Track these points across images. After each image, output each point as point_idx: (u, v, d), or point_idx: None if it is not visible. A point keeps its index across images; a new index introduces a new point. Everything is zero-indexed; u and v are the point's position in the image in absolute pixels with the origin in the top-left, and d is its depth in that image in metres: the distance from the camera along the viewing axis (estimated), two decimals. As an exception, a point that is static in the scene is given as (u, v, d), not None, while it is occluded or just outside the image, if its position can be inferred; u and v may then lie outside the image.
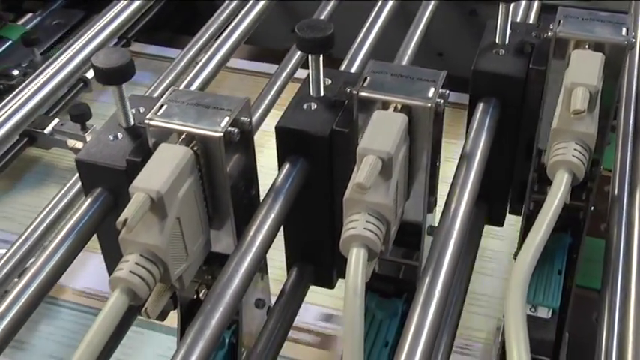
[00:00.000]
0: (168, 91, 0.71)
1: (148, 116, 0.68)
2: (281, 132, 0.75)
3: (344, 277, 0.83)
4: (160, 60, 1.66)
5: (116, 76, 0.71)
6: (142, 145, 0.71)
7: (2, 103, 0.97)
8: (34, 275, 0.68)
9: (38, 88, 1.00)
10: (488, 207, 0.92)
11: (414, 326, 0.64)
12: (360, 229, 0.65)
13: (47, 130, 1.38)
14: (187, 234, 0.67)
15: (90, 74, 1.47)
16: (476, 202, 0.75)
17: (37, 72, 1.06)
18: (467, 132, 0.80)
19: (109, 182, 0.73)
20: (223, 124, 0.67)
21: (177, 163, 0.64)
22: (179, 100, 0.70)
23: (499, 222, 0.95)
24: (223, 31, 1.22)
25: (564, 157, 0.72)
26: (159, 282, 0.65)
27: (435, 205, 0.82)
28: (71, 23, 1.73)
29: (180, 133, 0.67)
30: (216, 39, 1.24)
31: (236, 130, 0.67)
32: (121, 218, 0.61)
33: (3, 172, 1.36)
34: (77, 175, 0.93)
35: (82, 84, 1.47)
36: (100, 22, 1.09)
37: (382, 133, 0.67)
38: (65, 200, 0.96)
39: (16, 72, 1.51)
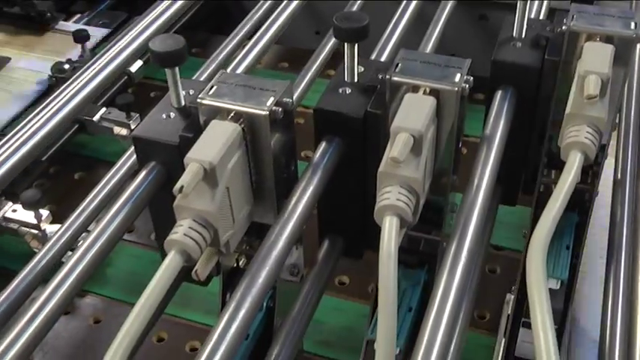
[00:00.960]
0: (217, 74, 0.72)
1: (200, 96, 0.69)
2: (319, 113, 0.75)
3: (372, 249, 0.84)
4: (199, 58, 1.66)
5: (171, 59, 0.71)
6: (192, 123, 0.72)
7: (56, 93, 0.97)
8: (92, 243, 0.68)
9: (88, 80, 1.01)
10: (503, 188, 0.91)
11: (442, 287, 0.65)
12: (393, 199, 0.65)
13: (96, 118, 1.39)
14: (235, 203, 0.68)
15: (134, 68, 1.48)
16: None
17: (87, 66, 1.07)
18: (485, 118, 0.80)
19: (162, 156, 0.73)
20: (269, 103, 0.67)
21: (228, 138, 0.65)
22: (228, 81, 0.70)
23: (512, 202, 0.95)
24: (255, 31, 1.23)
25: (577, 138, 0.72)
26: (208, 246, 0.65)
27: (457, 184, 0.81)
28: (115, 23, 1.74)
29: (229, 111, 0.67)
30: (249, 39, 1.24)
31: (280, 109, 0.67)
32: (178, 185, 0.61)
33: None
34: (124, 157, 0.94)
35: (126, 77, 1.47)
36: (143, 22, 1.10)
37: (413, 113, 0.68)
38: (113, 181, 0.96)
39: (67, 66, 1.52)
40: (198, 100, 0.69)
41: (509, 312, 1.08)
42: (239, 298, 0.62)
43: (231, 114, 0.67)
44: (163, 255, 0.62)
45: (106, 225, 0.70)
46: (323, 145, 0.75)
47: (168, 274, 0.61)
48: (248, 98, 0.68)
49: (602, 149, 0.88)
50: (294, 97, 1.14)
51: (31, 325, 0.61)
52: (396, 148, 0.65)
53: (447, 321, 0.61)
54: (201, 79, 1.16)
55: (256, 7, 1.31)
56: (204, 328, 1.12)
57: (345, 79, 0.77)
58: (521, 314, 0.96)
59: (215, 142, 0.65)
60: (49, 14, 1.69)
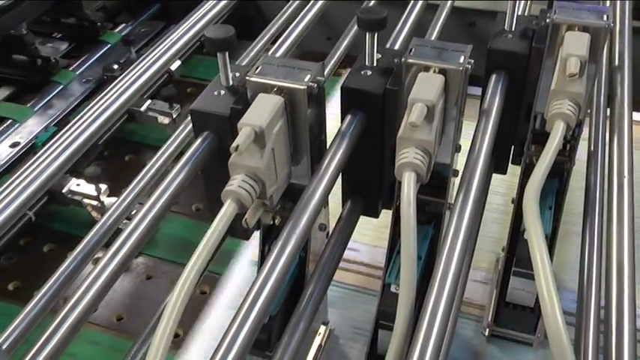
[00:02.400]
0: (262, 57, 0.75)
1: (248, 74, 0.72)
2: (345, 90, 0.77)
3: (388, 208, 0.86)
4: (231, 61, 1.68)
5: (223, 45, 0.73)
6: (240, 98, 0.74)
7: (109, 88, 1.00)
8: (151, 206, 0.70)
9: (136, 77, 1.03)
10: (495, 158, 0.93)
11: (452, 230, 0.67)
12: (410, 158, 0.68)
13: (142, 108, 1.41)
14: (278, 162, 0.70)
15: (173, 67, 1.51)
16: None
17: (133, 65, 1.10)
18: (482, 98, 0.82)
19: (214, 126, 0.75)
20: (306, 79, 0.70)
21: (273, 107, 0.68)
22: (270, 63, 0.73)
23: (503, 171, 0.96)
24: (278, 37, 1.25)
25: (561, 109, 0.75)
26: (257, 198, 0.68)
27: (459, 152, 0.84)
28: (155, 31, 1.77)
29: (272, 86, 0.70)
30: (273, 43, 1.26)
31: (315, 85, 0.70)
32: (233, 145, 0.64)
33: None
34: (168, 142, 0.96)
35: (167, 75, 1.50)
36: (181, 29, 1.12)
37: (426, 88, 0.71)
38: (159, 162, 0.97)
39: (115, 66, 1.55)
40: (247, 78, 0.71)
41: (499, 268, 1.11)
42: (280, 248, 0.65)
43: (275, 89, 0.70)
44: (213, 216, 0.64)
45: (165, 188, 0.71)
46: (348, 117, 0.77)
47: (226, 218, 0.64)
48: (288, 76, 0.71)
49: (579, 125, 0.91)
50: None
51: (96, 282, 0.63)
52: (414, 114, 0.68)
53: (454, 270, 0.63)
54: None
55: (277, 16, 1.33)
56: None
57: (366, 63, 0.79)
58: (511, 267, 0.98)
59: (263, 111, 0.67)
60: (99, 24, 1.71)
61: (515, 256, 0.97)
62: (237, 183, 0.66)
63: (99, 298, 0.63)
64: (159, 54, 1.12)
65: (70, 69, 1.61)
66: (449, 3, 1.27)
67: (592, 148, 0.96)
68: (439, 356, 0.58)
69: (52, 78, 1.57)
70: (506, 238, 1.00)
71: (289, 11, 1.30)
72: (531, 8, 1.05)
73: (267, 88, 0.71)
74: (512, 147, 0.95)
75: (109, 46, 1.69)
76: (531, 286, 0.97)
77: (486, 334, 1.05)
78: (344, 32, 1.29)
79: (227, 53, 0.75)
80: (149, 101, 1.43)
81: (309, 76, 0.70)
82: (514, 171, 0.97)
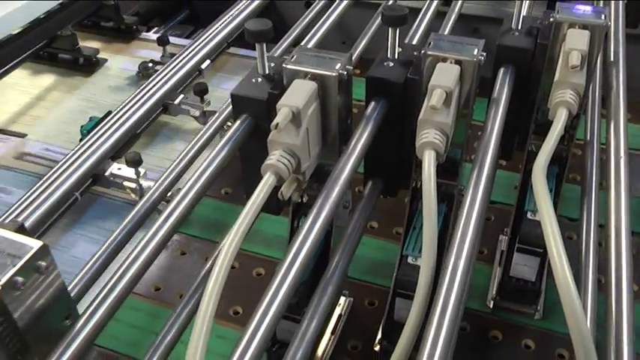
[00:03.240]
0: (296, 48, 0.77)
1: (284, 63, 0.74)
2: (370, 80, 0.79)
3: (405, 189, 0.88)
4: (250, 59, 1.71)
5: (261, 36, 0.75)
6: (276, 84, 0.76)
7: (146, 84, 1.02)
8: (195, 180, 0.72)
9: (171, 74, 1.05)
10: (502, 145, 0.94)
11: (468, 203, 0.69)
12: (431, 138, 0.71)
13: (176, 102, 1.44)
14: (311, 142, 0.73)
15: (203, 66, 1.53)
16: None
17: (168, 64, 1.12)
18: (492, 89, 0.84)
19: (252, 109, 0.77)
20: (337, 67, 0.72)
21: (308, 91, 0.70)
22: (304, 53, 0.75)
23: (508, 157, 0.98)
24: (299, 40, 1.26)
25: (563, 98, 0.78)
26: (292, 173, 0.71)
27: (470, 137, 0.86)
28: (184, 34, 1.80)
29: (307, 73, 0.73)
30: (293, 46, 1.28)
31: (345, 73, 0.73)
32: (274, 123, 0.67)
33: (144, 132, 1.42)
34: (200, 132, 0.97)
35: (197, 72, 1.52)
36: (210, 32, 1.14)
37: (444, 76, 0.73)
38: (193, 151, 0.99)
39: (150, 64, 1.57)
40: (284, 66, 0.74)
41: (502, 248, 1.13)
42: (311, 223, 0.67)
43: (309, 75, 0.73)
44: (248, 196, 0.66)
45: (207, 165, 0.73)
46: (372, 104, 0.79)
47: (266, 188, 0.66)
48: (321, 64, 0.73)
49: (577, 117, 0.93)
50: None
51: (137, 259, 0.65)
52: (434, 98, 0.70)
53: (468, 245, 0.65)
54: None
55: (298, 21, 1.35)
56: (265, 258, 1.17)
57: (388, 56, 0.81)
58: (514, 246, 1.00)
59: (299, 94, 0.70)
60: (134, 27, 1.74)
61: (519, 234, 0.98)
62: (276, 158, 0.68)
63: (140, 276, 0.65)
64: (191, 54, 1.14)
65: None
66: (456, 10, 1.28)
67: (588, 137, 0.99)
68: (457, 318, 0.59)
69: (92, 74, 1.60)
70: (510, 220, 1.02)
71: (308, 18, 1.32)
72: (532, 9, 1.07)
73: (301, 75, 0.73)
74: (517, 136, 0.97)
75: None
76: (533, 262, 0.99)
77: (490, 306, 1.07)
78: (358, 37, 1.30)
79: (265, 44, 0.77)
80: (182, 95, 1.45)
81: (339, 65, 0.73)
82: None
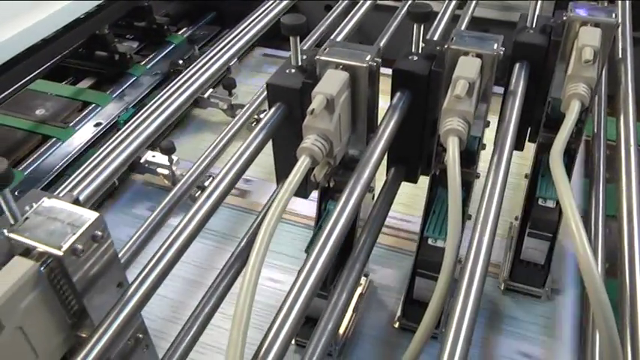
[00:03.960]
0: (328, 41, 0.77)
1: (317, 54, 0.74)
2: (396, 72, 0.80)
3: (425, 175, 0.88)
4: (274, 58, 1.71)
5: (295, 30, 0.76)
6: (310, 75, 0.76)
7: (177, 79, 1.03)
8: (233, 163, 0.72)
9: (203, 71, 1.05)
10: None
11: (490, 185, 0.70)
12: (455, 125, 0.71)
13: (206, 95, 1.44)
14: (342, 128, 0.73)
15: (231, 63, 1.53)
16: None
17: (198, 61, 1.12)
18: (507, 82, 0.85)
19: (286, 98, 0.77)
20: (367, 59, 0.73)
21: (341, 80, 0.71)
22: (336, 46, 0.76)
23: (521, 147, 0.98)
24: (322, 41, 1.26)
25: (576, 91, 0.78)
26: (325, 157, 0.71)
27: (488, 127, 0.86)
28: (211, 34, 1.80)
29: (338, 64, 0.73)
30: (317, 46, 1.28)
31: (374, 64, 0.73)
32: (310, 109, 0.67)
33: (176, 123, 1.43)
34: (229, 125, 0.98)
35: (226, 68, 1.52)
36: (237, 32, 1.15)
37: (467, 68, 0.74)
38: (223, 142, 0.99)
39: (180, 62, 1.58)
40: (317, 57, 0.74)
41: (512, 234, 1.13)
42: (343, 202, 0.67)
43: (341, 66, 0.73)
44: (279, 180, 0.65)
45: (243, 150, 0.73)
46: (398, 94, 0.80)
47: (302, 169, 0.67)
48: (352, 56, 0.73)
49: (586, 112, 0.93)
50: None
51: (175, 242, 0.64)
52: (458, 88, 0.71)
53: (490, 226, 0.66)
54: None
55: (319, 23, 1.35)
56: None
57: (413, 50, 0.81)
58: (526, 229, 1.00)
59: (332, 83, 0.70)
60: (165, 27, 1.74)
61: (530, 220, 0.99)
62: (310, 141, 0.69)
63: (178, 257, 0.64)
64: (220, 52, 1.15)
65: (142, 64, 1.64)
66: (469, 13, 1.28)
67: (595, 130, 0.99)
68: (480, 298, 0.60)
69: (127, 71, 1.61)
70: (521, 206, 1.02)
71: (329, 20, 1.32)
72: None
73: (334, 66, 0.73)
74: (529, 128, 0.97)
75: (174, 45, 1.71)
76: (543, 246, 1.00)
77: (502, 287, 1.07)
78: (376, 38, 1.30)
79: (298, 37, 0.77)
80: (211, 89, 1.46)
81: (369, 57, 0.73)
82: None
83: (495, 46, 0.76)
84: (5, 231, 0.52)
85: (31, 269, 0.50)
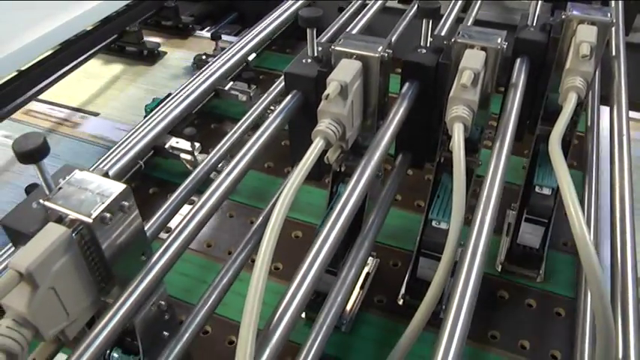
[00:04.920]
0: (343, 34, 0.76)
1: (333, 45, 0.73)
2: (406, 63, 0.79)
3: (431, 162, 0.87)
4: (292, 56, 1.70)
5: (312, 22, 0.75)
6: (324, 65, 0.76)
7: (200, 72, 1.02)
8: (250, 146, 0.72)
9: (222, 64, 1.05)
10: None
11: (492, 168, 0.69)
12: (460, 112, 0.70)
13: (227, 87, 1.44)
14: (355, 114, 0.72)
15: (250, 58, 1.53)
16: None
17: (219, 55, 1.12)
18: (509, 77, 0.84)
19: (303, 85, 0.77)
20: (379, 49, 0.72)
21: (354, 69, 0.70)
22: (350, 38, 0.75)
23: (520, 138, 0.96)
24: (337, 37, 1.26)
25: (574, 83, 0.77)
26: (337, 140, 0.70)
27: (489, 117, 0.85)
28: (233, 33, 1.80)
29: (353, 54, 0.72)
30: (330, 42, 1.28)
31: (386, 55, 0.72)
32: (325, 94, 0.66)
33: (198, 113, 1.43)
34: (246, 115, 0.97)
35: (244, 63, 1.52)
36: (255, 30, 1.15)
37: (472, 61, 0.72)
38: (240, 130, 0.98)
39: (204, 57, 1.57)
40: (333, 47, 0.73)
41: (509, 221, 1.12)
42: (352, 186, 0.67)
43: (354, 56, 0.72)
44: (294, 163, 0.64)
45: (260, 134, 0.73)
46: (407, 84, 0.79)
47: (316, 151, 0.66)
48: (365, 47, 0.72)
49: (581, 105, 0.92)
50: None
51: (193, 220, 0.64)
52: (464, 78, 0.70)
53: (492, 209, 0.65)
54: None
55: (333, 22, 1.35)
56: (302, 223, 1.16)
57: (421, 44, 0.81)
58: (522, 217, 0.99)
59: (346, 71, 0.69)
60: (190, 25, 1.74)
61: (527, 206, 0.98)
62: (325, 125, 0.68)
63: (195, 234, 0.64)
64: (239, 48, 1.14)
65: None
66: (473, 15, 1.27)
67: (589, 123, 0.98)
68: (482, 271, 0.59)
69: (154, 64, 1.60)
70: (520, 193, 1.01)
71: (341, 21, 1.31)
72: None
73: (348, 56, 0.72)
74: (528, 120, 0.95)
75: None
76: (538, 231, 0.98)
77: (499, 270, 1.06)
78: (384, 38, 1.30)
79: (315, 29, 0.77)
80: (231, 82, 1.45)
81: (381, 48, 0.72)
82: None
83: (499, 40, 0.75)
84: (41, 200, 0.52)
85: (64, 235, 0.49)
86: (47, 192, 0.53)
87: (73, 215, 0.51)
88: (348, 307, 1.01)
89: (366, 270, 1.06)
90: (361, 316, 1.00)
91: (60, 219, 0.51)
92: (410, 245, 0.94)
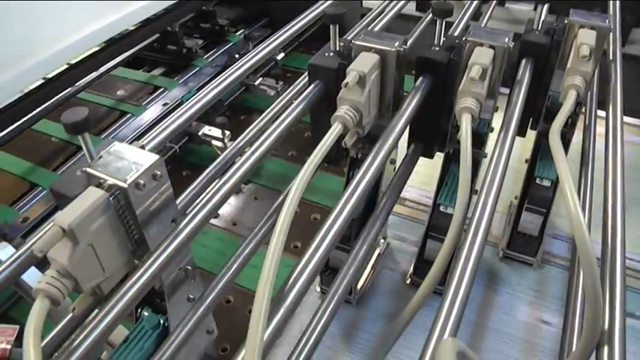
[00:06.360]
0: (362, 30, 0.76)
1: (354, 39, 0.73)
2: (420, 59, 0.78)
3: (440, 152, 0.86)
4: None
5: (335, 18, 0.75)
6: (345, 57, 0.75)
7: (230, 69, 1.02)
8: (275, 128, 0.70)
9: (249, 59, 1.05)
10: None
11: (496, 155, 0.68)
12: (468, 104, 0.69)
13: (256, 83, 1.44)
14: (371, 103, 0.72)
15: (278, 57, 1.53)
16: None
17: (248, 53, 1.12)
18: (515, 76, 0.82)
19: (324, 76, 0.76)
20: (396, 44, 0.71)
21: (372, 61, 0.69)
22: (369, 34, 0.74)
23: (523, 133, 0.95)
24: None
25: (574, 82, 0.76)
26: (355, 126, 0.69)
27: (496, 111, 0.84)
28: (264, 35, 1.79)
29: (371, 48, 0.71)
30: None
31: (402, 50, 0.71)
32: (344, 82, 0.66)
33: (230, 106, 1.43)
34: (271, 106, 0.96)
35: (273, 62, 1.52)
36: (282, 31, 1.14)
37: (481, 56, 0.72)
38: (265, 119, 0.98)
39: (237, 56, 1.57)
40: (353, 42, 0.73)
41: (511, 211, 1.11)
42: (365, 169, 0.66)
43: (373, 50, 0.71)
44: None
45: (284, 118, 0.72)
46: (420, 79, 0.78)
47: (334, 134, 0.65)
48: (383, 42, 0.72)
49: (579, 105, 0.91)
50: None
51: (218, 192, 0.62)
52: (473, 72, 0.69)
53: (493, 198, 0.63)
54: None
55: (353, 27, 1.34)
56: (321, 206, 1.16)
57: (435, 42, 0.80)
58: (523, 206, 0.98)
59: (365, 62, 0.69)
60: (226, 28, 1.74)
61: (528, 196, 0.97)
62: (343, 110, 0.67)
63: (219, 207, 0.63)
64: (268, 47, 1.14)
65: (205, 57, 1.64)
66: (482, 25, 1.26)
67: (587, 122, 0.96)
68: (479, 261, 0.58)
69: (192, 62, 1.62)
70: (521, 185, 1.00)
71: (364, 23, 1.30)
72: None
73: (367, 49, 0.72)
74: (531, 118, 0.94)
75: (232, 43, 1.71)
76: (537, 220, 0.98)
77: (500, 255, 1.05)
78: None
79: (337, 25, 0.76)
80: (261, 79, 1.45)
81: (398, 43, 0.71)
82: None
83: (506, 39, 0.74)
84: (84, 167, 0.52)
85: (102, 197, 0.49)
86: (89, 160, 0.53)
87: (111, 181, 0.51)
88: (360, 284, 1.00)
89: (377, 251, 1.05)
90: (371, 293, 1.00)
91: (99, 184, 0.51)
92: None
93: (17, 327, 0.67)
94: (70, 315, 0.60)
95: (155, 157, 0.53)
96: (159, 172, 0.53)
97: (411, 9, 1.53)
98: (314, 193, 1.16)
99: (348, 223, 0.62)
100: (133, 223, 0.54)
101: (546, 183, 0.93)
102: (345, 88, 0.66)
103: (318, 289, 0.98)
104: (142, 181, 0.52)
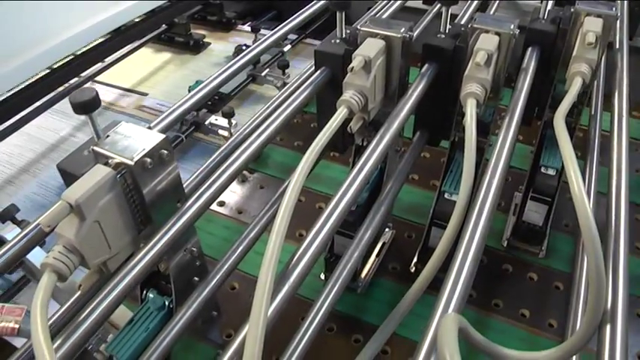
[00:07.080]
0: (369, 17, 0.76)
1: (360, 26, 0.73)
2: (426, 46, 0.78)
3: (446, 139, 0.86)
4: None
5: (341, 6, 0.75)
6: (351, 44, 0.75)
7: (237, 59, 1.02)
8: (282, 110, 0.71)
9: (257, 53, 1.05)
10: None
11: (500, 140, 0.68)
12: (474, 89, 0.69)
13: (263, 74, 1.44)
14: (377, 88, 0.72)
15: (285, 48, 1.53)
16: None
17: (255, 45, 1.12)
18: (520, 63, 0.82)
19: (331, 62, 0.76)
20: (402, 31, 0.71)
21: (378, 46, 0.70)
22: (375, 21, 0.74)
23: (528, 123, 0.95)
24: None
25: (579, 68, 0.76)
26: (360, 111, 0.69)
27: (501, 100, 0.84)
28: (271, 28, 1.79)
29: (377, 34, 0.71)
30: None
31: (408, 36, 0.71)
32: (350, 67, 0.66)
33: (236, 96, 1.43)
34: (276, 94, 0.96)
35: (280, 53, 1.52)
36: (286, 25, 1.14)
37: (486, 44, 0.72)
38: (270, 108, 0.98)
39: (244, 47, 1.57)
40: (360, 28, 0.73)
41: (516, 202, 1.11)
42: (369, 153, 0.66)
43: (379, 36, 0.72)
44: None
45: (290, 102, 0.72)
46: (426, 66, 0.78)
47: (340, 117, 0.65)
48: (389, 28, 0.72)
49: (585, 94, 0.90)
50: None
51: (223, 174, 0.63)
52: (478, 57, 0.69)
53: (495, 186, 0.62)
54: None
55: (358, 20, 1.34)
56: (326, 195, 1.16)
57: (441, 30, 0.80)
58: (528, 196, 0.98)
59: (371, 48, 0.69)
60: (233, 20, 1.75)
61: (533, 186, 0.96)
62: (349, 95, 0.67)
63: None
64: (273, 39, 1.14)
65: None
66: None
67: (592, 112, 0.96)
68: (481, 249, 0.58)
69: (199, 53, 1.61)
70: (527, 176, 1.00)
71: (370, 14, 1.30)
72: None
73: (373, 35, 0.72)
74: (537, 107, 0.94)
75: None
76: (542, 209, 0.97)
77: (504, 245, 1.05)
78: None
79: (344, 12, 0.76)
80: (267, 69, 1.45)
81: (403, 29, 0.71)
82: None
83: (512, 26, 0.74)
84: (92, 146, 0.52)
85: (109, 174, 0.50)
86: (96, 139, 0.53)
87: (117, 159, 0.51)
88: (364, 273, 1.00)
89: (382, 240, 1.06)
90: (376, 281, 1.00)
91: (106, 162, 0.52)
92: (424, 220, 0.93)
93: (25, 307, 0.68)
94: (78, 293, 0.61)
95: (162, 136, 0.54)
96: (165, 152, 0.54)
97: (417, 2, 1.52)
98: (319, 183, 1.16)
99: (350, 206, 0.61)
100: (139, 203, 0.54)
101: (551, 172, 0.93)
102: (350, 72, 0.66)
103: (323, 277, 0.98)
104: (148, 160, 0.52)
